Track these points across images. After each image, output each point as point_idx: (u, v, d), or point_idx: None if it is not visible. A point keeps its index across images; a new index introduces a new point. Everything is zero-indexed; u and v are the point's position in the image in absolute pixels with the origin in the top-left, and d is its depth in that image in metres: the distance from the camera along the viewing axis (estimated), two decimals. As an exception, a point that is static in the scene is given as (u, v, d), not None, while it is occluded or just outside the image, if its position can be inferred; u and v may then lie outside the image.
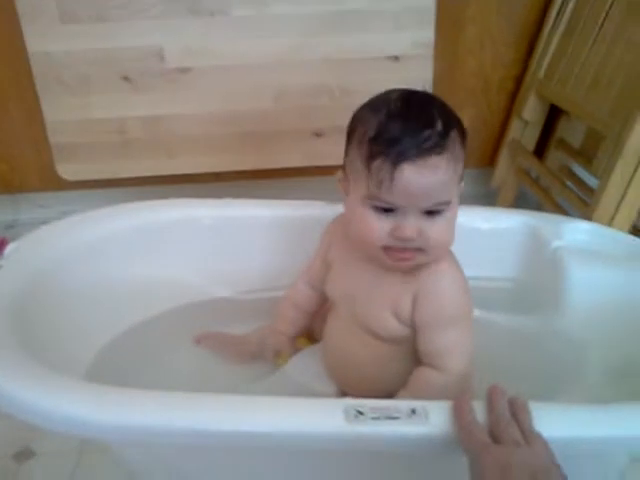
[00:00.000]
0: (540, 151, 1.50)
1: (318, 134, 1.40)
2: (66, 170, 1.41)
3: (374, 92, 0.71)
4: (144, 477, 0.84)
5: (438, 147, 0.63)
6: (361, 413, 0.59)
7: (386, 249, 0.68)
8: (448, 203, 0.66)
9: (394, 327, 0.73)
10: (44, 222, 0.91)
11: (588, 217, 1.07)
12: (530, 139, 1.47)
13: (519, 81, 1.50)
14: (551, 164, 1.46)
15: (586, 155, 1.40)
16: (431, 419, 0.59)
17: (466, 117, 0.70)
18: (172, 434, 0.59)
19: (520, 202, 1.53)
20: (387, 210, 0.66)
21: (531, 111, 1.42)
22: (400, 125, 0.64)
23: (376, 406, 0.60)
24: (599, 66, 1.17)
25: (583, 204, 1.16)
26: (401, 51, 1.31)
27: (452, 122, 0.66)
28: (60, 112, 1.35)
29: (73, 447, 0.94)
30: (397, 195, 0.64)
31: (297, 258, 0.93)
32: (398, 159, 0.63)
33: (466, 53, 1.48)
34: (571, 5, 1.32)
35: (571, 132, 1.45)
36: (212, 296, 1.01)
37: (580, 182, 1.36)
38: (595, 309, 0.92)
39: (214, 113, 1.36)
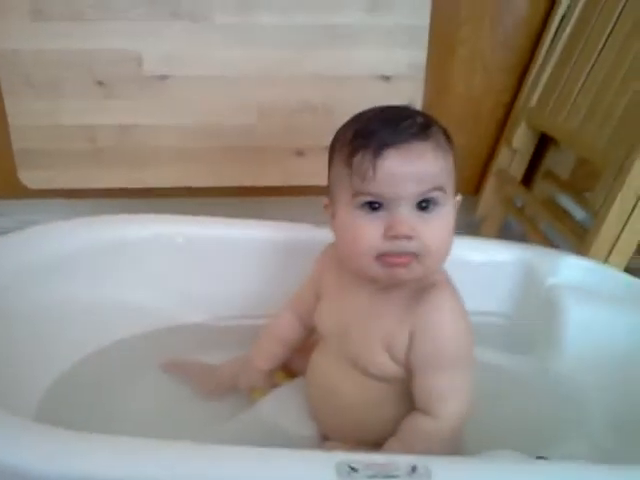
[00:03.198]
0: (527, 181, 1.46)
1: (300, 153, 1.33)
2: (29, 177, 1.31)
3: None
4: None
5: (421, 134, 0.61)
6: (354, 470, 0.51)
7: (380, 258, 0.61)
8: (442, 189, 0.61)
9: (387, 365, 0.65)
10: (3, 231, 0.84)
11: (581, 252, 1.02)
12: (518, 168, 1.42)
13: (510, 108, 1.45)
14: (538, 195, 1.42)
15: (574, 187, 1.36)
16: (434, 478, 0.52)
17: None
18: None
19: (504, 233, 1.48)
20: (376, 207, 0.61)
21: (520, 140, 1.38)
22: (378, 121, 0.62)
23: (372, 462, 0.52)
24: (597, 94, 1.12)
25: (575, 237, 1.12)
26: (393, 71, 1.25)
27: (434, 121, 0.64)
28: (26, 116, 1.25)
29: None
30: (383, 184, 0.60)
31: (280, 284, 0.86)
32: (380, 147, 0.60)
33: (457, 77, 1.42)
34: (568, 30, 1.28)
35: (559, 163, 1.41)
36: (184, 321, 0.95)
37: (566, 214, 1.32)
38: (593, 351, 0.87)
39: (192, 125, 1.28)
